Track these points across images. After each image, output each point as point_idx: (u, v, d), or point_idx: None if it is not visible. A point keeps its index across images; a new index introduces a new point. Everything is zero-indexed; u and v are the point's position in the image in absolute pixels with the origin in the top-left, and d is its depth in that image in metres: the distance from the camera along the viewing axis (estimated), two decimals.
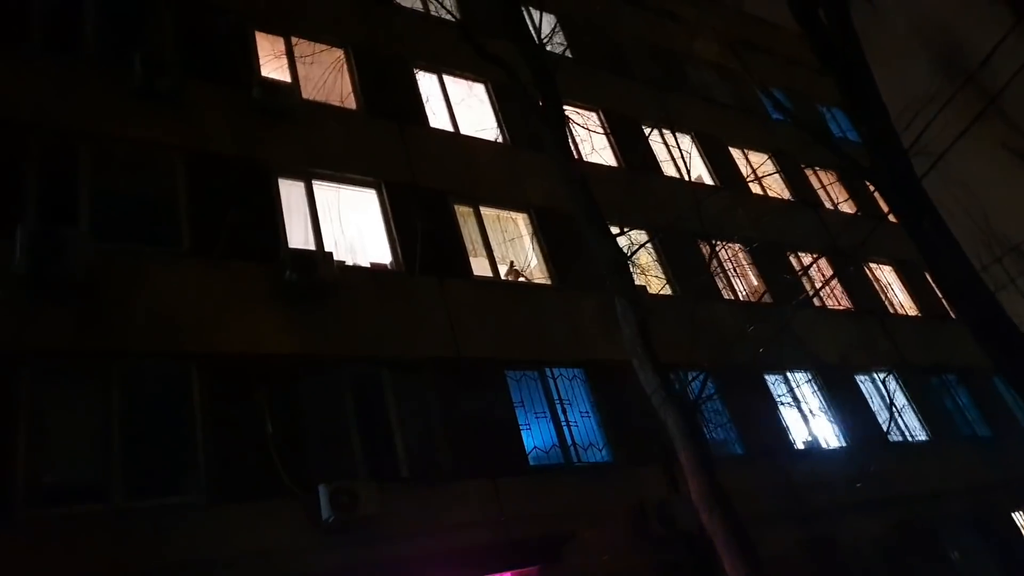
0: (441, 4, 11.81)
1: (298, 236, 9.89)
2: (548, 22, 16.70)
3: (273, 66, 11.47)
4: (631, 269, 12.52)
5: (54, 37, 9.49)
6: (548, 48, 15.89)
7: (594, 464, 10.10)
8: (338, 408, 8.65)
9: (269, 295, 8.85)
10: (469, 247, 11.24)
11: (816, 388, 13.77)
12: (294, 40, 11.87)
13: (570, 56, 16.33)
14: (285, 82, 10.89)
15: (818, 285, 16.03)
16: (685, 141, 16.93)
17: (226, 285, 8.67)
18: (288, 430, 8.06)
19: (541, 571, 8.30)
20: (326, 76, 11.71)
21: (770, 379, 13.09)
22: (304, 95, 11.30)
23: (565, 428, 10.18)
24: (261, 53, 11.36)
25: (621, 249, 8.14)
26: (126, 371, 7.60)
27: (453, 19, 10.08)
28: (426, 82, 13.04)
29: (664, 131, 16.43)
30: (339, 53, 12.26)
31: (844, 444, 13.20)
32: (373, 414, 8.84)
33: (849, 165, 9.38)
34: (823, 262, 16.71)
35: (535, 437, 9.83)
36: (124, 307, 7.87)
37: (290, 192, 10.19)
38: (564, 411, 10.31)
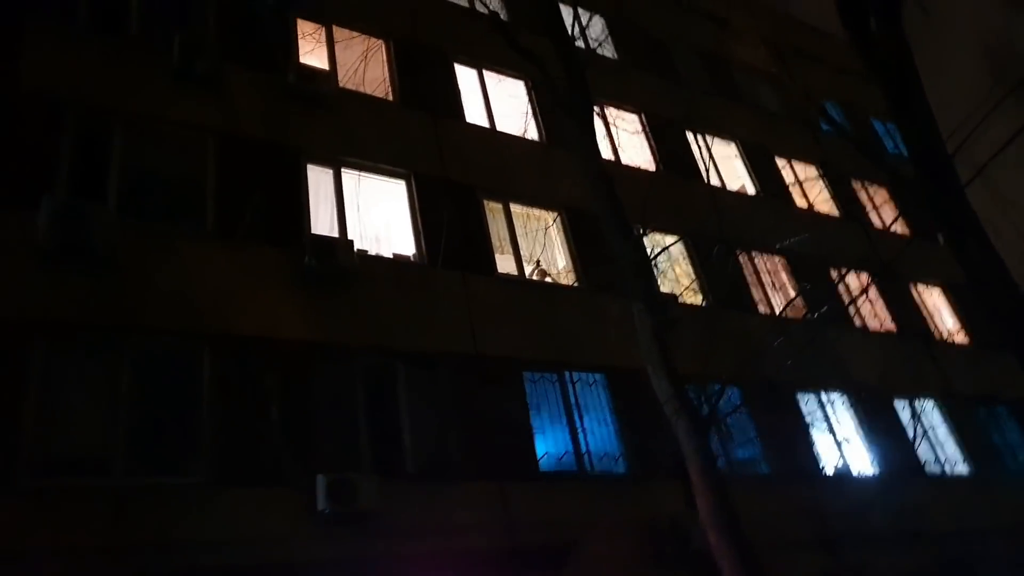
0: (482, 1, 11.65)
1: (323, 223, 9.85)
2: (597, 24, 16.56)
3: (313, 54, 11.50)
4: (656, 274, 12.37)
5: (99, 16, 9.63)
6: (597, 51, 15.81)
7: (608, 474, 9.81)
8: (348, 398, 8.55)
9: (288, 280, 8.81)
10: (496, 243, 11.07)
11: (852, 411, 13.22)
12: (335, 28, 11.88)
13: (615, 57, 16.17)
14: (321, 69, 10.89)
15: (861, 304, 15.42)
16: (730, 148, 16.52)
17: (246, 268, 8.66)
18: (296, 417, 7.99)
19: None
20: (364, 65, 11.67)
21: (802, 398, 12.59)
22: (341, 83, 11.29)
23: (581, 435, 9.91)
24: (301, 40, 11.39)
25: (643, 251, 7.87)
26: (139, 347, 7.62)
27: (487, 11, 9.90)
28: (465, 76, 12.93)
29: (707, 136, 16.07)
30: (379, 43, 12.22)
31: (878, 472, 12.62)
32: (383, 407, 8.72)
33: (893, 177, 8.98)
34: (866, 280, 16.09)
35: (548, 442, 9.59)
36: (142, 283, 7.90)
37: (318, 178, 10.16)
38: (581, 417, 10.05)
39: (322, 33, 11.72)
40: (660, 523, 9.27)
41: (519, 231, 11.51)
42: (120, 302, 7.66)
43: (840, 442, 12.57)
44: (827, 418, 12.78)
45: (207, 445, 7.42)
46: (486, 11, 9.88)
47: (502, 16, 11.08)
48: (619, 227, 7.79)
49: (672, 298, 11.86)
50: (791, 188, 16.85)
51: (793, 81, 12.45)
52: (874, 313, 15.49)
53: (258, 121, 9.89)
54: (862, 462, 12.68)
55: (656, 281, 9.95)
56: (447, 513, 8.20)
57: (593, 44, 15.78)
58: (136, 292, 7.80)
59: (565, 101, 8.70)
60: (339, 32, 11.90)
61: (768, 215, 15.24)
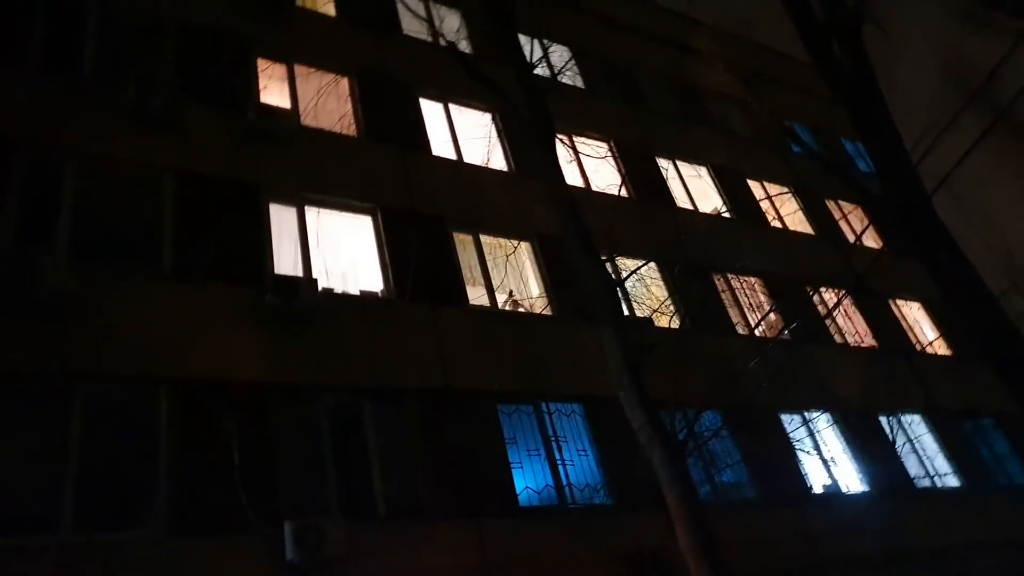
0: (442, 34, 11.59)
1: (287, 261, 9.62)
2: (563, 54, 16.61)
3: (273, 92, 11.36)
4: (631, 299, 12.23)
5: (52, 57, 9.47)
6: (566, 80, 15.81)
7: (590, 506, 9.51)
8: (313, 439, 8.24)
9: (248, 320, 8.54)
10: (467, 275, 10.88)
11: (837, 430, 13.02)
12: (296, 67, 11.78)
13: (582, 87, 16.20)
14: (283, 107, 10.74)
15: (840, 321, 15.33)
16: (701, 172, 16.52)
17: (204, 308, 8.38)
18: (259, 461, 7.66)
19: None
20: (327, 102, 11.56)
21: (786, 419, 12.38)
22: (304, 121, 11.15)
23: (560, 467, 9.63)
24: (262, 78, 11.25)
25: (609, 275, 7.69)
26: (90, 394, 7.29)
27: (445, 43, 9.83)
28: (431, 110, 12.84)
29: (677, 161, 16.08)
30: (343, 80, 12.12)
31: (867, 490, 12.38)
32: (350, 447, 8.41)
33: (863, 194, 8.95)
34: (843, 296, 16.03)
35: (527, 476, 9.30)
36: (93, 328, 7.60)
37: (281, 216, 9.95)
38: (559, 448, 9.77)
39: (283, 70, 11.61)
40: (644, 554, 8.96)
41: (490, 261, 11.33)
42: (67, 347, 7.35)
43: (827, 462, 12.35)
44: (813, 438, 12.56)
45: (164, 495, 7.08)
46: (445, 43, 9.79)
47: (465, 48, 11.00)
48: (585, 252, 7.63)
49: (648, 322, 11.69)
50: (765, 210, 16.86)
51: (760, 105, 12.49)
52: (854, 329, 15.39)
53: (217, 159, 9.70)
54: (850, 481, 12.44)
55: (623, 306, 9.78)
56: (420, 555, 7.87)
57: (559, 73, 15.87)
58: (86, 337, 7.50)
59: (528, 129, 8.59)
60: (300, 69, 11.79)
61: (742, 236, 15.18)
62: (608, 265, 9.92)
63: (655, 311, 10.96)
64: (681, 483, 6.42)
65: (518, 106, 8.78)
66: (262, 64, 11.39)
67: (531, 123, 8.57)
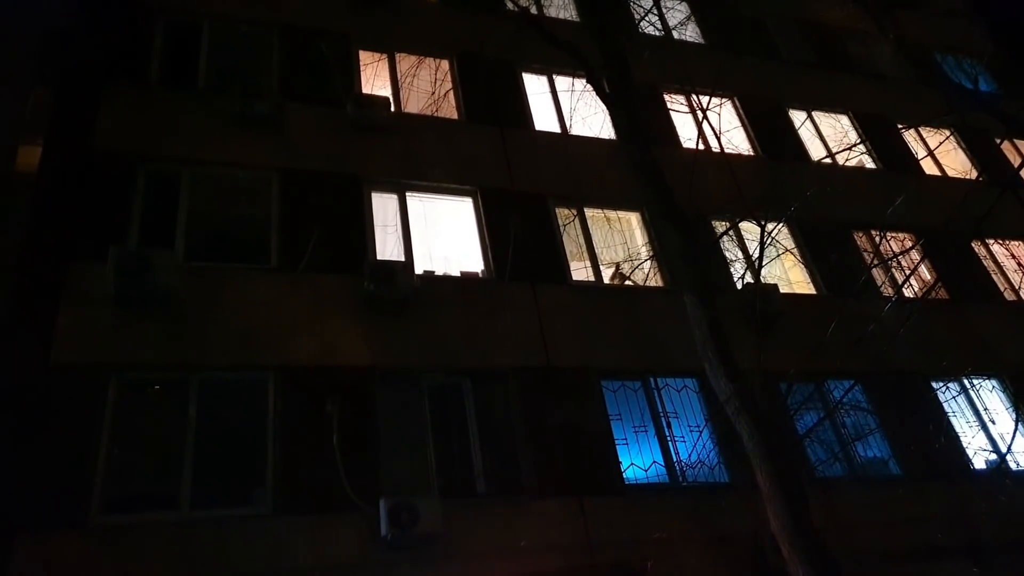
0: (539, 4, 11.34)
1: (390, 248, 9.86)
2: (682, 10, 15.80)
3: (376, 83, 11.67)
4: (752, 266, 11.41)
5: (170, 74, 10.28)
6: (682, 37, 15.06)
7: (704, 485, 9.04)
8: (414, 420, 8.43)
9: (350, 307, 8.85)
10: (571, 250, 10.66)
11: (1006, 398, 11.52)
12: (398, 56, 12.01)
13: (703, 42, 15.35)
14: (382, 96, 10.98)
15: (1013, 276, 13.52)
16: (840, 122, 15.13)
17: (308, 298, 8.79)
18: (360, 442, 7.94)
19: None
20: (429, 87, 11.70)
21: (940, 388, 11.11)
22: (406, 108, 11.40)
23: (671, 443, 9.23)
24: (364, 71, 11.60)
25: (693, 240, 7.18)
26: (205, 383, 7.88)
27: (515, 9, 9.57)
28: (534, 84, 12.66)
29: (814, 113, 14.82)
30: (443, 63, 12.22)
31: None
32: (450, 426, 8.52)
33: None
34: (1020, 250, 14.12)
35: (633, 453, 8.99)
36: (207, 322, 8.20)
37: (384, 205, 10.22)
38: (669, 425, 9.35)
39: (385, 61, 11.88)
40: (763, 536, 8.38)
41: (595, 236, 11.02)
42: (185, 341, 7.98)
43: (992, 435, 10.96)
44: (974, 407, 11.20)
45: (272, 475, 7.52)
46: (515, 8, 9.53)
47: (517, 7, 10.58)
48: (666, 217, 7.18)
49: (774, 288, 10.91)
50: (919, 157, 15.16)
51: (891, 36, 11.18)
52: None
53: (319, 154, 10.11)
54: (1022, 456, 10.98)
55: (750, 274, 9.07)
56: (519, 533, 7.83)
57: (673, 29, 15.13)
58: (201, 331, 8.10)
59: (608, 92, 8.22)
60: (403, 58, 12.02)
61: (889, 188, 13.71)
62: (727, 230, 9.33)
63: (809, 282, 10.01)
64: (773, 458, 5.90)
65: (598, 68, 8.42)
66: (364, 57, 11.73)
67: (612, 87, 8.17)
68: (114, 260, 7.78)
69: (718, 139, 9.80)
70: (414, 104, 11.51)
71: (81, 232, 8.31)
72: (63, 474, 6.85)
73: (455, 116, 11.64)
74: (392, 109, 10.96)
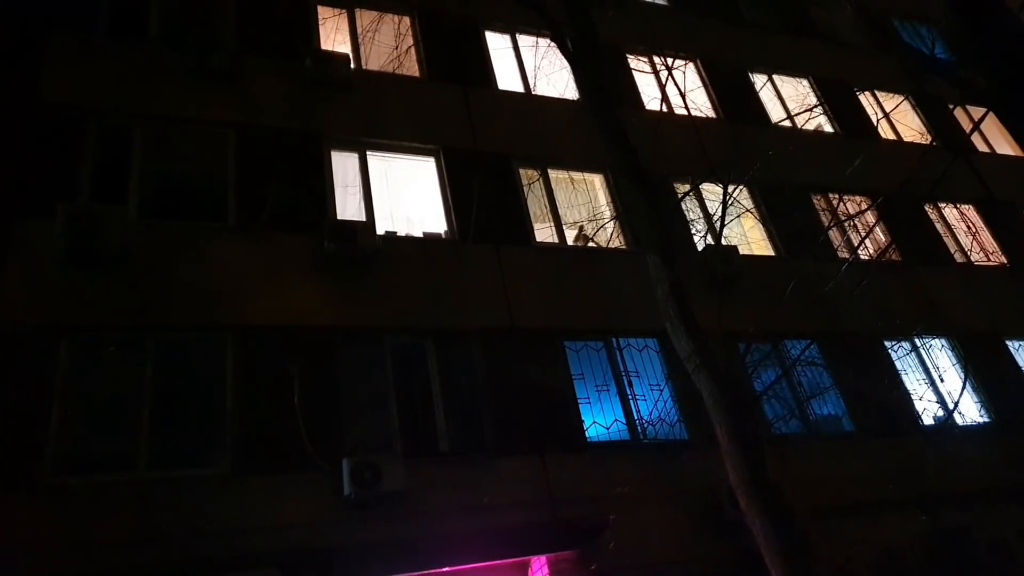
0: None
1: (352, 208, 9.72)
2: None
3: (336, 39, 11.38)
4: (713, 228, 11.52)
5: (119, 23, 9.86)
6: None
7: (664, 441, 9.19)
8: (377, 380, 8.38)
9: (309, 267, 8.72)
10: (534, 212, 10.62)
11: (954, 358, 11.89)
12: (357, 11, 11.71)
13: (665, 4, 15.27)
14: (341, 53, 10.71)
15: (963, 239, 13.88)
16: (802, 86, 15.24)
17: (267, 257, 8.63)
18: (322, 402, 7.88)
19: (582, 555, 7.59)
20: (389, 44, 11.46)
21: (892, 347, 11.42)
22: (366, 65, 11.15)
23: (632, 402, 9.34)
24: (323, 25, 11.29)
25: (653, 201, 7.16)
26: (161, 344, 7.71)
27: None
28: (497, 43, 12.47)
29: (775, 76, 14.90)
30: (405, 19, 11.96)
31: (988, 421, 11.30)
32: (414, 387, 8.50)
33: (979, 94, 7.81)
34: (972, 213, 14.48)
35: (595, 412, 9.09)
36: (162, 281, 8.00)
37: (344, 163, 10.03)
38: (630, 384, 9.47)
39: (344, 16, 11.58)
40: (720, 490, 8.58)
41: (559, 197, 10.98)
42: (140, 300, 7.78)
43: (940, 392, 11.33)
44: (924, 367, 11.55)
45: (231, 435, 7.43)
46: None
47: None
48: (630, 176, 7.17)
49: (733, 250, 11.03)
50: (876, 122, 15.37)
51: (860, 2, 11.23)
52: (979, 247, 13.88)
53: (277, 111, 9.86)
54: (969, 412, 11.37)
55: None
56: (483, 491, 7.89)
57: None
58: (156, 289, 7.91)
59: (572, 51, 8.12)
60: (362, 14, 11.72)
61: (846, 152, 13.91)
62: (689, 191, 9.38)
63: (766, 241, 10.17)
64: (729, 412, 6.01)
65: (563, 26, 8.30)
66: (323, 12, 11.41)
67: (576, 46, 8.08)
68: (63, 216, 7.52)
69: (684, 101, 9.80)
70: (375, 61, 11.25)
71: (29, 189, 8.00)
72: (12, 436, 6.67)
73: (417, 74, 11.42)
74: (352, 66, 10.71)
